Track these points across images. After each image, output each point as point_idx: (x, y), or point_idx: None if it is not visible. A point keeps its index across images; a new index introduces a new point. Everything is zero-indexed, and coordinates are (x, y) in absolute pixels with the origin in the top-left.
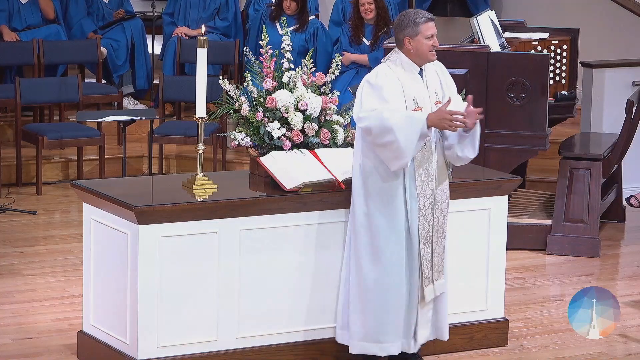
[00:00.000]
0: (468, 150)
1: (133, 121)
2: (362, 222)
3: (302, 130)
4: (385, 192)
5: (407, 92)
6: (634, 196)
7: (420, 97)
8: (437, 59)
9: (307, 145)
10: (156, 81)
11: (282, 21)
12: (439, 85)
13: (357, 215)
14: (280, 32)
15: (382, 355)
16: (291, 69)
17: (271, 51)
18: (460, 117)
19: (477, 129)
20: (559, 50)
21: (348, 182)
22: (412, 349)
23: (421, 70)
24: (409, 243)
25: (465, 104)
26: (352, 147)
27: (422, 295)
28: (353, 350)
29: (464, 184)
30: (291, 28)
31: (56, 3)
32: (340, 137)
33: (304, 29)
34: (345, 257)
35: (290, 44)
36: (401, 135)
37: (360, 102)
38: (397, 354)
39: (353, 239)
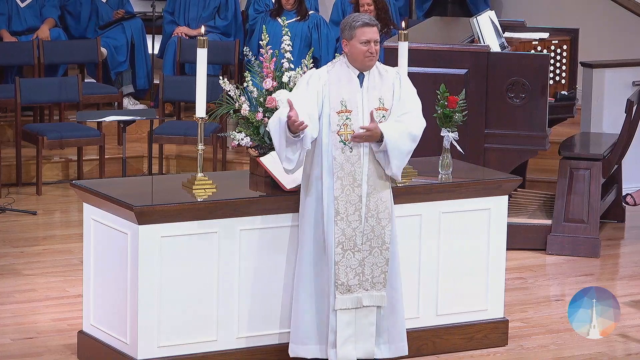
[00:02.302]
0: (386, 166)
1: (133, 121)
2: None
3: None
4: (306, 192)
5: (335, 94)
6: (630, 194)
7: (351, 100)
8: (437, 59)
9: None
10: (156, 81)
11: (282, 19)
12: (389, 94)
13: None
14: (282, 24)
15: (292, 356)
16: (291, 69)
17: (271, 51)
18: (301, 124)
19: (392, 150)
20: (559, 50)
21: None
22: (332, 358)
23: (362, 74)
24: (322, 246)
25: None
26: None
27: (334, 302)
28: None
29: (464, 184)
30: (292, 20)
31: (57, 12)
32: None
33: (305, 19)
34: None
35: (290, 44)
36: (274, 138)
37: None
38: (309, 358)
39: None
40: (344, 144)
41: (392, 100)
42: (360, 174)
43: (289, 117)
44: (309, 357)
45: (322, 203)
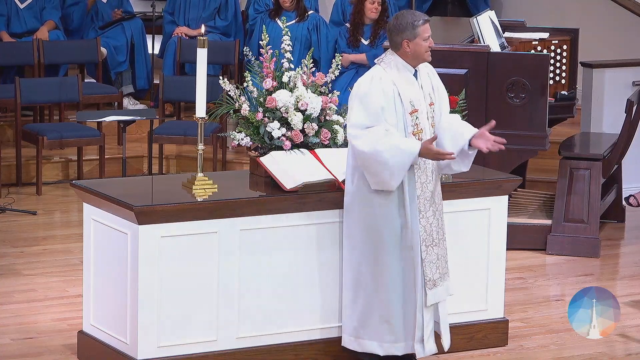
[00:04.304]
0: (462, 166)
1: (133, 121)
2: (357, 224)
3: (302, 130)
4: (381, 193)
5: (404, 95)
6: (633, 196)
7: (416, 98)
8: (437, 59)
9: (307, 145)
10: (156, 81)
11: (282, 20)
12: (431, 87)
13: (352, 215)
14: (281, 25)
15: (382, 355)
16: (291, 69)
17: (271, 51)
18: (453, 155)
19: (474, 152)
20: (559, 50)
21: None
22: (421, 353)
23: (416, 71)
24: (411, 245)
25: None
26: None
27: (425, 299)
28: (351, 345)
29: (464, 184)
30: (292, 22)
31: (57, 14)
32: (340, 137)
33: (304, 19)
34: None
35: (290, 44)
36: (394, 168)
37: (350, 115)
38: (399, 354)
39: (347, 239)
40: None
41: (434, 93)
42: (430, 170)
43: (440, 153)
44: (399, 354)
45: (405, 203)
